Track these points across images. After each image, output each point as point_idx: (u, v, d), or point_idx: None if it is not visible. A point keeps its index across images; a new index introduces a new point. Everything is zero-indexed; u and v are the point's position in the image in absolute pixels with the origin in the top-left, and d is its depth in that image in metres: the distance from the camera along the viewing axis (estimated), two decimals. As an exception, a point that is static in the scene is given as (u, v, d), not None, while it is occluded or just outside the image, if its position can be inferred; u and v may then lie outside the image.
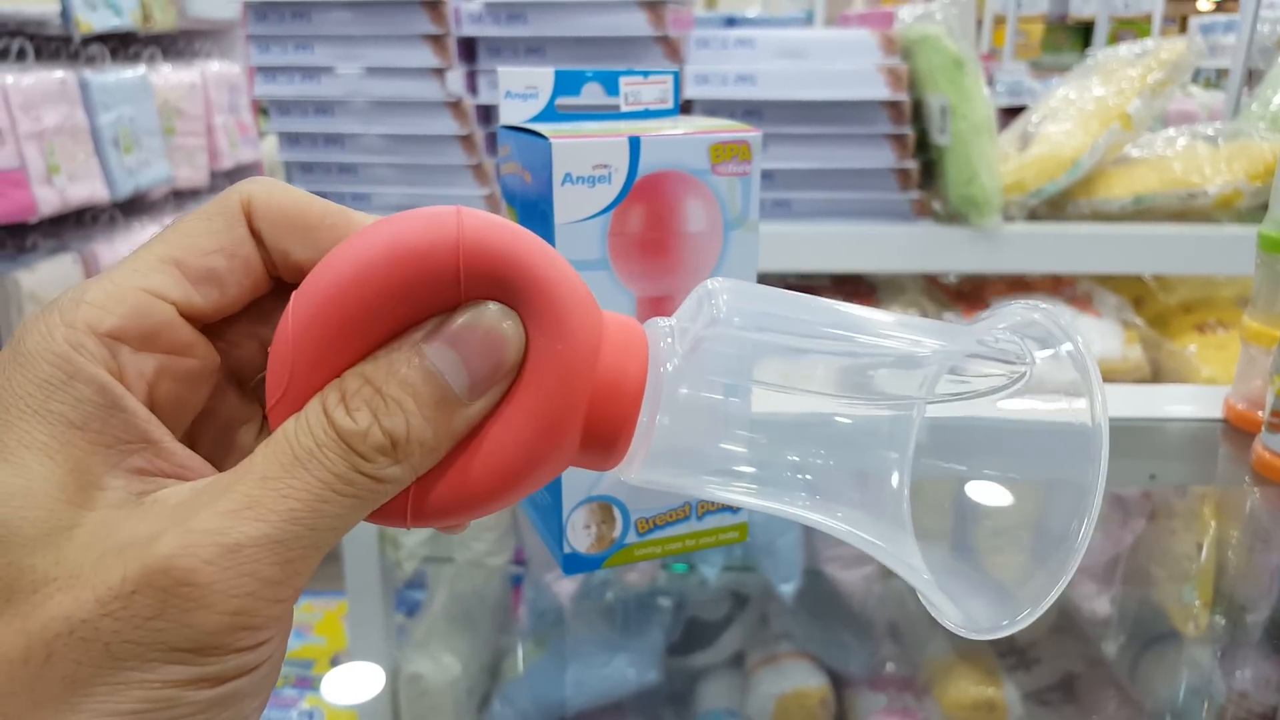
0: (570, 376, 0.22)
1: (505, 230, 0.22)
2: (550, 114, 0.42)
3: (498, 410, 0.22)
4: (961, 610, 0.27)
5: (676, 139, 0.39)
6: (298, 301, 0.22)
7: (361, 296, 0.21)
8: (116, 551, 0.19)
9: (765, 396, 0.26)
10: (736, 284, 0.26)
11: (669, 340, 0.25)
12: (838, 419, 0.27)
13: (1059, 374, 0.26)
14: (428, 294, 0.22)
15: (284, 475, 0.20)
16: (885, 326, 0.27)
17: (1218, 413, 0.70)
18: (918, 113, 1.21)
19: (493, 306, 0.22)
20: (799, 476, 0.27)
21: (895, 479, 0.27)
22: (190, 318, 0.23)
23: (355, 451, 0.21)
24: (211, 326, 0.24)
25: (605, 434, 0.24)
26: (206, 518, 0.19)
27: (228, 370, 0.25)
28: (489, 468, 0.22)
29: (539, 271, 0.22)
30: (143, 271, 0.22)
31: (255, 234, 0.23)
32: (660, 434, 0.24)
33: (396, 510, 0.23)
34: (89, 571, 0.19)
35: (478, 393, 0.22)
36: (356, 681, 0.49)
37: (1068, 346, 0.26)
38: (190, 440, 0.24)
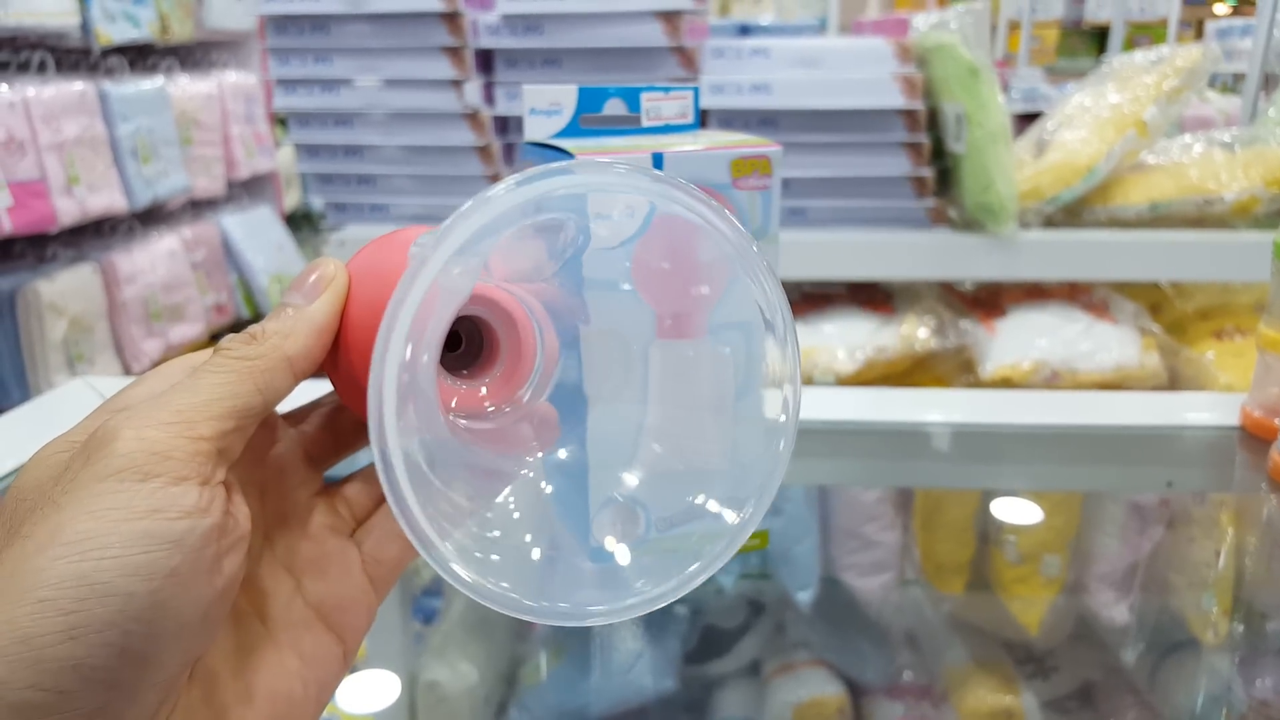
0: (369, 315, 0.29)
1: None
2: (574, 130, 0.42)
3: (344, 323, 0.30)
4: None
5: (698, 154, 0.39)
6: None
7: None
8: None
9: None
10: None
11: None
12: None
13: None
14: None
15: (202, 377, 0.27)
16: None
17: (1234, 420, 0.70)
18: (933, 120, 1.21)
19: (321, 259, 0.30)
20: None
21: None
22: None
23: (220, 350, 0.27)
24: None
25: None
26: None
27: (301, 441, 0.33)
28: (354, 360, 0.30)
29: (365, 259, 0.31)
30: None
31: None
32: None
33: (334, 382, 0.31)
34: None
35: (309, 296, 0.29)
36: (373, 689, 0.49)
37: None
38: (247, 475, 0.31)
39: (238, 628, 0.28)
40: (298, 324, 0.29)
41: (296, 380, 0.29)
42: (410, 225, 0.32)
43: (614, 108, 0.42)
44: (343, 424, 0.34)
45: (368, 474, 0.34)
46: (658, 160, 0.39)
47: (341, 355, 0.30)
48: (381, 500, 0.33)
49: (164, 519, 0.23)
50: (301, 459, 0.32)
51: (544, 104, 0.42)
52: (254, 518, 0.29)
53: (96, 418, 0.28)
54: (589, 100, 0.42)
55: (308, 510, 0.32)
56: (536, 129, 0.42)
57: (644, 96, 0.42)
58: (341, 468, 0.34)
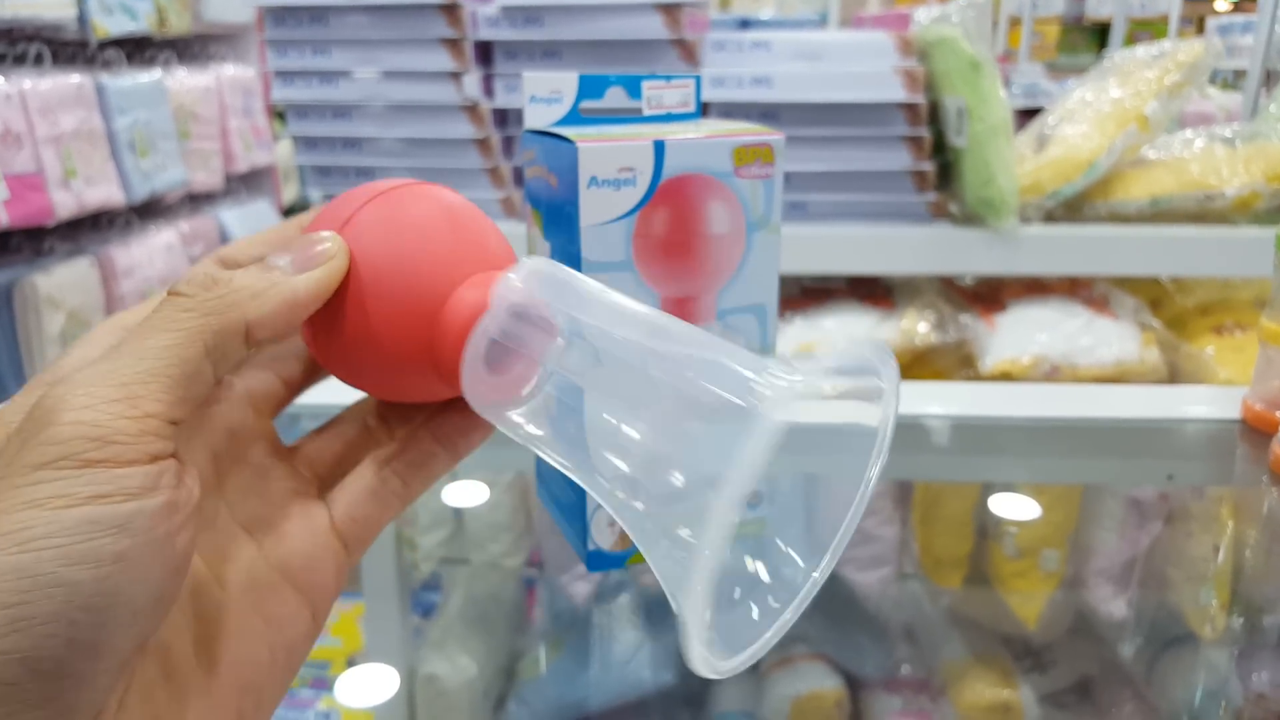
0: (390, 296, 0.28)
1: (392, 221, 0.29)
2: (574, 118, 0.42)
3: (350, 300, 0.28)
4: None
5: (700, 142, 0.39)
6: None
7: None
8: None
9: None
10: (554, 267, 0.29)
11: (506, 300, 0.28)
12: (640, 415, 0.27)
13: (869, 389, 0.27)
14: None
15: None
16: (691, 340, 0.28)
17: (1235, 413, 0.70)
18: (934, 115, 1.21)
19: (321, 232, 0.28)
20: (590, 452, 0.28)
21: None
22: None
23: (173, 293, 0.25)
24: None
25: (443, 363, 0.28)
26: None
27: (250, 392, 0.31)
28: (347, 336, 0.29)
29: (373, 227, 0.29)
30: None
31: None
32: (469, 381, 0.28)
33: (315, 346, 0.30)
34: None
35: (299, 266, 0.27)
36: (373, 683, 0.49)
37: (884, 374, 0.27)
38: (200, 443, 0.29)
39: (194, 596, 0.27)
40: (273, 290, 0.26)
41: (250, 348, 0.26)
42: (403, 180, 0.31)
43: (615, 96, 0.42)
44: (290, 370, 0.32)
45: (328, 430, 0.32)
46: (659, 148, 0.38)
47: (349, 332, 0.29)
48: (346, 457, 0.32)
49: (108, 503, 0.22)
50: (250, 411, 0.31)
51: (544, 92, 0.41)
52: (205, 480, 0.28)
53: (33, 390, 0.26)
54: (590, 88, 0.42)
55: (263, 468, 0.30)
56: (537, 117, 0.42)
57: (645, 85, 0.42)
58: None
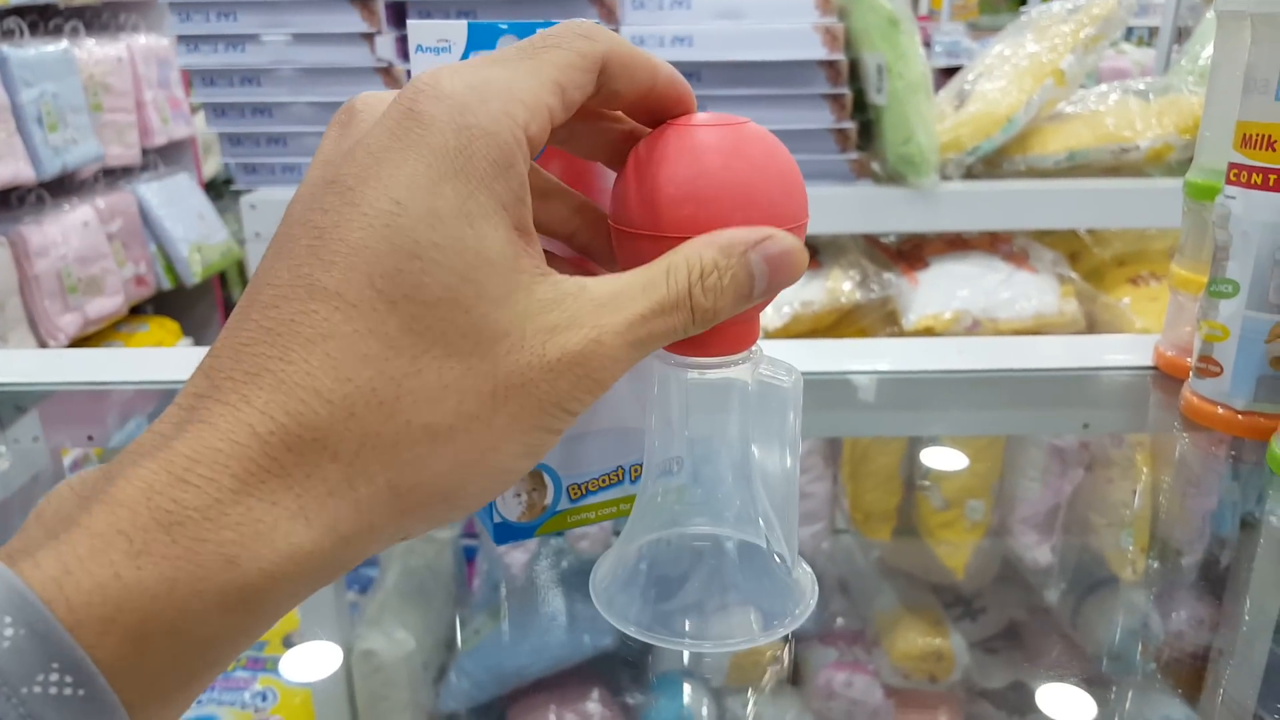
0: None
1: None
2: None
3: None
4: None
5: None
6: (696, 180, 0.31)
7: (745, 200, 0.30)
8: (549, 331, 0.26)
9: None
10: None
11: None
12: None
13: None
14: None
15: (652, 316, 0.27)
16: None
17: (1148, 360, 0.72)
18: (854, 72, 1.21)
19: (798, 246, 0.30)
20: None
21: None
22: None
23: (695, 322, 0.28)
24: None
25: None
26: (611, 328, 0.26)
27: None
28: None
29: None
30: (547, 88, 0.27)
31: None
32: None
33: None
34: (531, 340, 0.25)
35: (765, 300, 0.30)
36: (310, 661, 0.49)
37: None
38: None
39: None
40: (731, 291, 0.29)
41: None
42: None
43: (507, 45, 0.40)
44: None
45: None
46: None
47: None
48: None
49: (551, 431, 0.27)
50: None
51: (431, 41, 0.39)
52: None
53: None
54: (480, 37, 0.39)
55: None
56: (423, 68, 0.40)
57: (540, 33, 0.41)
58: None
